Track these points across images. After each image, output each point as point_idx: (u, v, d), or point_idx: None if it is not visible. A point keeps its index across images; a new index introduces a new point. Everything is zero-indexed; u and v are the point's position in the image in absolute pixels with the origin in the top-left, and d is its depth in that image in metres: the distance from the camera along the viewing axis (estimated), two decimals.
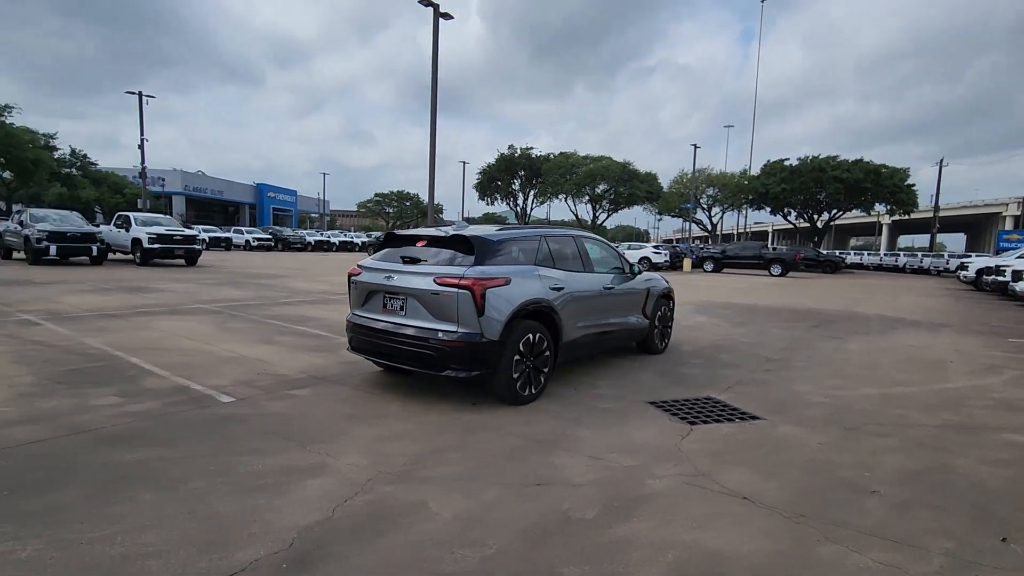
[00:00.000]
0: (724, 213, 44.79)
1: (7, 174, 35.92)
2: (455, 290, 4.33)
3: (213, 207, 72.05)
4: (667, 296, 7.12)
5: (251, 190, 79.53)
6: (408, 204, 68.48)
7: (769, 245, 68.47)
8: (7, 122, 33.05)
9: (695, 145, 34.52)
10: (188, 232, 20.97)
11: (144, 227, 20.24)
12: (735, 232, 60.27)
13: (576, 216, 47.20)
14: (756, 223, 78.54)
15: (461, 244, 4.69)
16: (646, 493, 3.10)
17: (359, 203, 73.10)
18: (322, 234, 45.38)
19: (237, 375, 5.30)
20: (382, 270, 4.82)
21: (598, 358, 6.50)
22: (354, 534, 2.56)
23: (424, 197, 71.57)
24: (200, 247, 21.09)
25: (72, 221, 20.07)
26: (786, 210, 37.55)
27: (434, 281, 4.42)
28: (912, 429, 4.35)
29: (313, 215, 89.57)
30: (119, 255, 20.96)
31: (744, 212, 45.51)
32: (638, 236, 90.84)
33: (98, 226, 21.45)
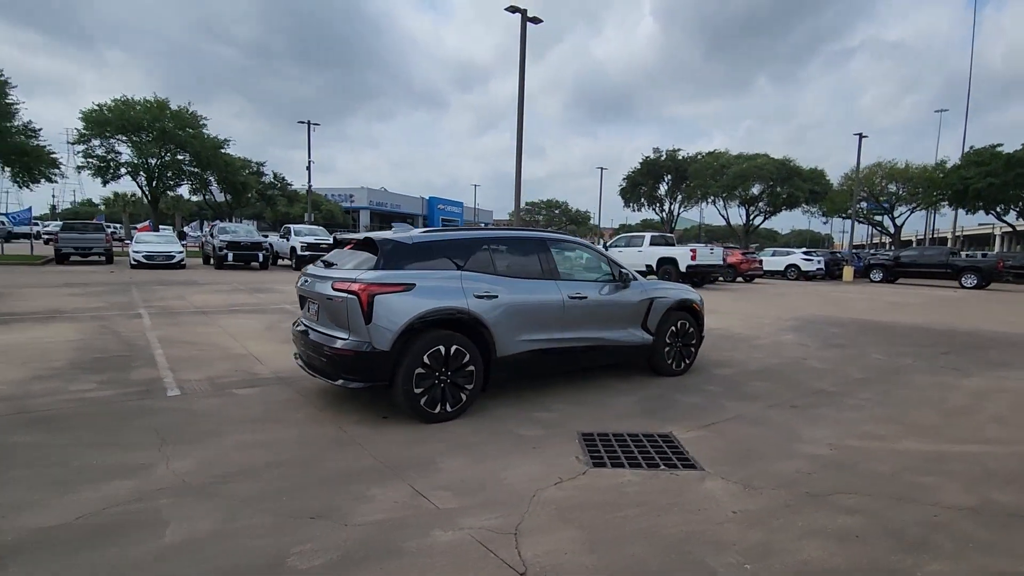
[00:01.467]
0: (913, 212, 37.05)
1: (228, 196, 44.14)
2: (345, 295, 4.11)
3: (393, 219, 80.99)
4: (685, 309, 6.01)
5: (423, 203, 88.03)
6: (557, 211, 69.32)
7: (996, 249, 55.61)
8: (226, 152, 40.71)
9: (860, 134, 29.08)
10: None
11: (300, 237, 23.38)
12: (948, 236, 49.87)
13: (727, 220, 43.10)
14: (980, 224, 64.26)
15: (373, 247, 4.45)
16: (411, 546, 2.55)
17: (510, 212, 75.82)
18: None
19: (218, 371, 5.67)
20: (308, 275, 4.79)
21: (586, 376, 5.72)
22: (59, 546, 2.47)
23: (574, 205, 71.74)
24: None
25: (249, 233, 24.00)
26: (999, 209, 29.63)
27: (331, 286, 4.24)
28: (910, 507, 3.01)
29: (479, 224, 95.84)
30: (286, 260, 24.49)
31: (953, 213, 37.24)
32: (816, 241, 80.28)
33: (266, 236, 25.28)
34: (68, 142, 35.39)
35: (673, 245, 19.58)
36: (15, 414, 4.20)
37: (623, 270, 5.57)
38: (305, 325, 4.70)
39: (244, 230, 25.07)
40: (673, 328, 5.86)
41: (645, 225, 68.30)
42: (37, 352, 6.20)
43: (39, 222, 49.54)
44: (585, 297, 5.13)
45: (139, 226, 40.56)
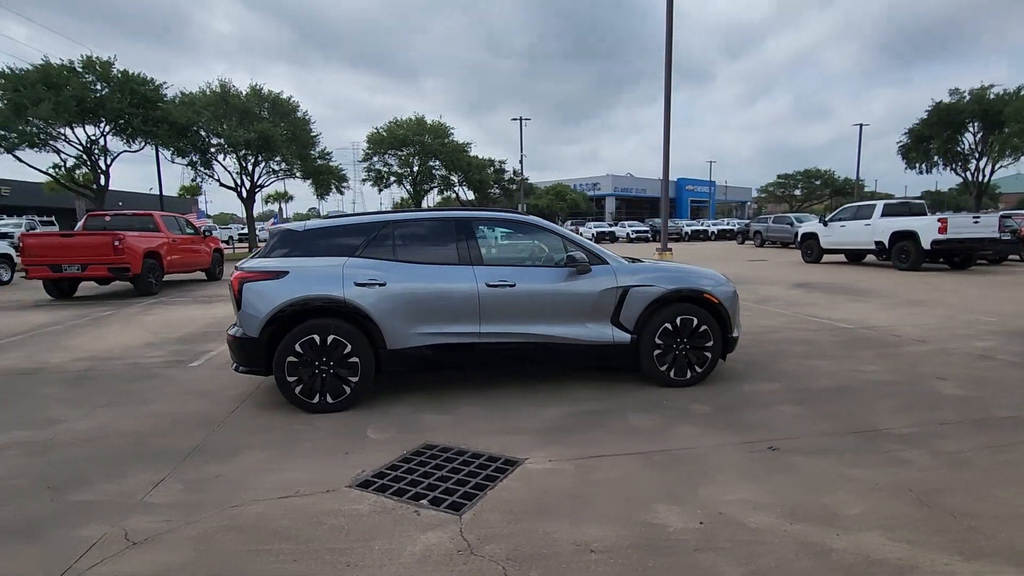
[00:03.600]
0: None
1: (475, 194, 49.78)
2: (230, 283, 4.29)
3: (642, 204, 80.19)
4: (690, 300, 4.51)
5: (671, 186, 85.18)
6: (818, 183, 58.16)
7: None
8: (471, 155, 45.95)
9: None
10: None
11: None
12: None
13: None
14: None
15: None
16: None
17: (760, 187, 67.01)
18: (701, 223, 44.60)
19: None
20: None
21: (545, 376, 4.80)
22: None
23: (842, 172, 59.16)
24: None
25: None
26: None
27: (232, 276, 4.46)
28: None
29: (736, 203, 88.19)
30: None
31: None
32: None
33: None
34: (357, 160, 44.63)
35: (923, 215, 14.83)
36: (81, 371, 5.55)
37: (578, 253, 4.46)
38: None
39: None
40: (668, 326, 4.48)
41: (963, 190, 52.87)
42: (180, 324, 8.05)
43: None
44: (513, 285, 4.31)
45: None
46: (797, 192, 60.47)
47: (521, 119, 41.21)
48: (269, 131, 30.46)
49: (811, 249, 17.30)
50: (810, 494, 2.75)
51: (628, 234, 42.24)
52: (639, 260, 4.91)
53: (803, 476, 2.95)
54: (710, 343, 4.57)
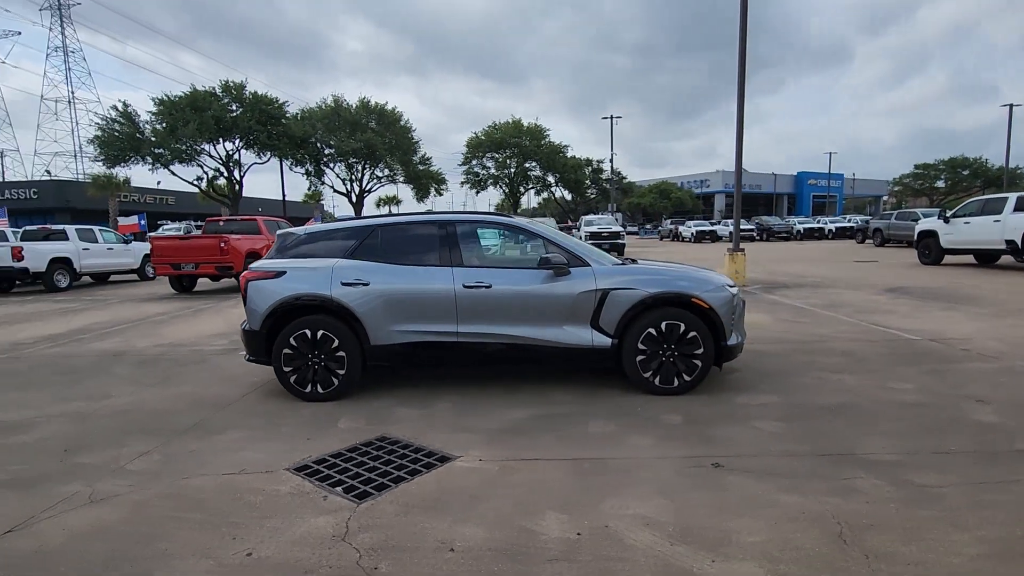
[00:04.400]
0: None
1: (571, 195, 49.72)
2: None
3: (755, 200, 75.22)
4: (677, 304, 4.27)
5: (790, 180, 79.32)
6: (965, 173, 50.18)
7: None
8: (568, 155, 45.94)
9: None
10: (615, 229, 24.43)
11: (586, 227, 24.93)
12: None
13: None
14: None
15: None
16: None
17: (893, 179, 59.39)
18: (817, 220, 40.82)
19: None
20: None
21: (530, 376, 4.79)
22: None
23: (992, 161, 50.69)
24: (623, 241, 24.06)
25: (609, 224, 26.72)
26: None
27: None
28: None
29: (871, 197, 79.90)
30: None
31: None
32: None
33: (624, 227, 27.75)
34: (457, 164, 46.56)
35: None
36: (154, 355, 6.45)
37: (555, 254, 4.40)
38: None
39: (606, 221, 28.13)
40: (652, 331, 4.30)
41: None
42: None
43: None
44: (489, 286, 4.38)
45: None
46: (940, 184, 53.05)
47: (612, 117, 40.44)
48: (373, 140, 32.73)
49: (928, 249, 15.26)
50: (718, 516, 2.55)
51: (731, 233, 39.78)
52: (633, 261, 4.75)
53: (727, 496, 2.74)
54: (699, 350, 4.31)
